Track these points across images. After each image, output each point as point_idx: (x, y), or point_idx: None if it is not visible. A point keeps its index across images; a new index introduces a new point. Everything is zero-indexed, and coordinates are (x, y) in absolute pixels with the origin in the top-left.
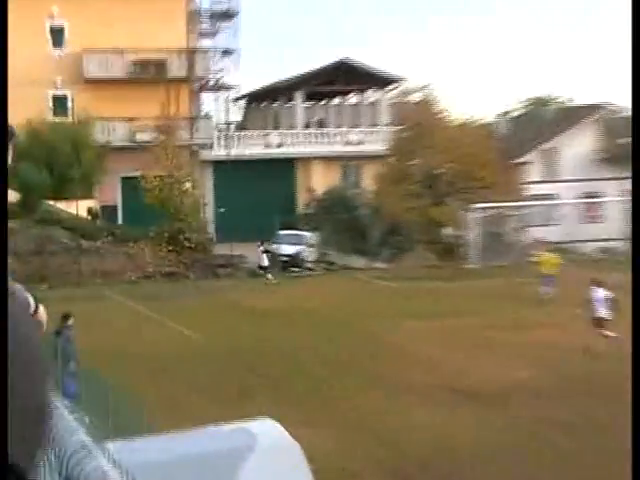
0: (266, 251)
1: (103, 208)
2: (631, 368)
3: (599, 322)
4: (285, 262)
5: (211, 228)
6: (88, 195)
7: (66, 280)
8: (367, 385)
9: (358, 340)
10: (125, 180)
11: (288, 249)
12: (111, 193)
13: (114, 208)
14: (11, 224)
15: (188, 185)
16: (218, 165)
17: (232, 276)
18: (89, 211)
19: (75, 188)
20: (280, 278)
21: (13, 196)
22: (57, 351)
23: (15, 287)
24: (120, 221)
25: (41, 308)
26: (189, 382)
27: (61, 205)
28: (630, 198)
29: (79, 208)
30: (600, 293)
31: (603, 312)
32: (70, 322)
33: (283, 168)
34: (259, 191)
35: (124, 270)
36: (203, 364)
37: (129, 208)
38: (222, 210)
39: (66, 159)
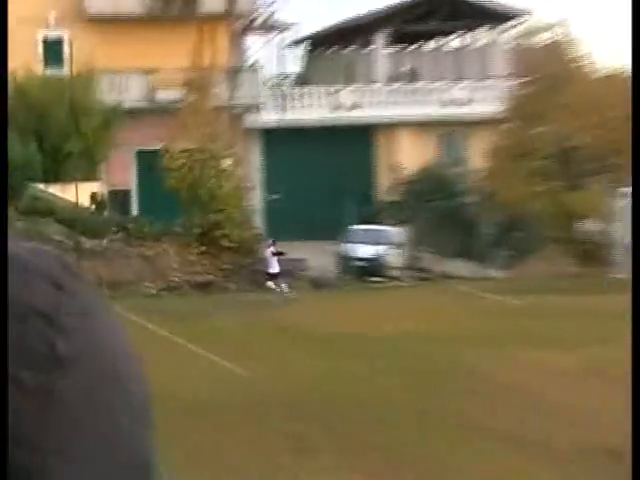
0: (278, 253)
1: (112, 194)
2: (631, 368)
3: None
4: (361, 268)
5: (259, 221)
6: (91, 176)
7: None
8: (480, 448)
9: (461, 380)
10: (142, 155)
11: (365, 251)
12: (123, 173)
13: (126, 194)
14: None
15: (228, 162)
16: (269, 135)
17: (289, 288)
18: (93, 198)
19: (74, 167)
20: (353, 290)
21: None
22: None
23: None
24: (135, 212)
25: None
26: (231, 433)
27: (55, 190)
28: None
29: (79, 194)
30: None
31: None
32: None
33: (358, 138)
34: (325, 170)
35: (140, 279)
36: (249, 409)
37: (147, 194)
38: (274, 197)
39: (62, 127)
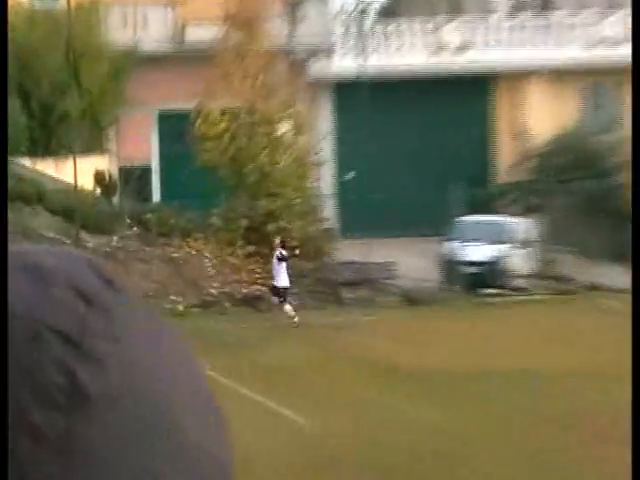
0: (284, 258)
1: (124, 172)
2: (631, 368)
3: None
4: (473, 276)
5: (330, 211)
6: (95, 148)
7: None
8: None
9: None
10: (166, 119)
11: (478, 252)
12: (139, 144)
13: (145, 173)
14: None
15: (286, 128)
16: (343, 89)
17: (369, 303)
18: (98, 178)
19: (71, 134)
20: (462, 307)
21: None
22: None
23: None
24: (156, 197)
25: None
26: None
27: (45, 166)
28: None
29: (79, 172)
30: None
31: None
32: None
33: (469, 93)
34: (422, 139)
35: (164, 291)
36: (326, 476)
37: (173, 172)
38: (350, 176)
39: (55, 79)
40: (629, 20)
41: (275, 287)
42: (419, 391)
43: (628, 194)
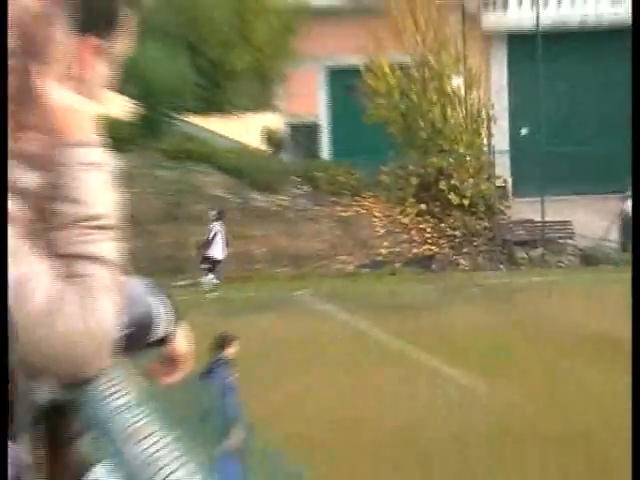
0: (218, 217)
1: (293, 130)
2: (631, 368)
3: None
4: None
5: (503, 168)
6: (264, 104)
7: (223, 269)
8: None
9: None
10: (335, 74)
11: None
12: (308, 100)
13: (314, 129)
14: (124, 162)
15: (458, 82)
16: (518, 41)
17: (545, 263)
18: (266, 135)
19: (240, 91)
20: None
21: (126, 107)
22: (207, 409)
23: (133, 283)
24: (326, 154)
25: (180, 331)
26: None
27: (214, 124)
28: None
29: (248, 130)
30: None
31: None
32: (230, 352)
33: None
34: (603, 91)
35: (334, 252)
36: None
37: (342, 129)
38: (525, 132)
39: (223, 34)
40: None
41: (206, 258)
42: (611, 359)
43: None
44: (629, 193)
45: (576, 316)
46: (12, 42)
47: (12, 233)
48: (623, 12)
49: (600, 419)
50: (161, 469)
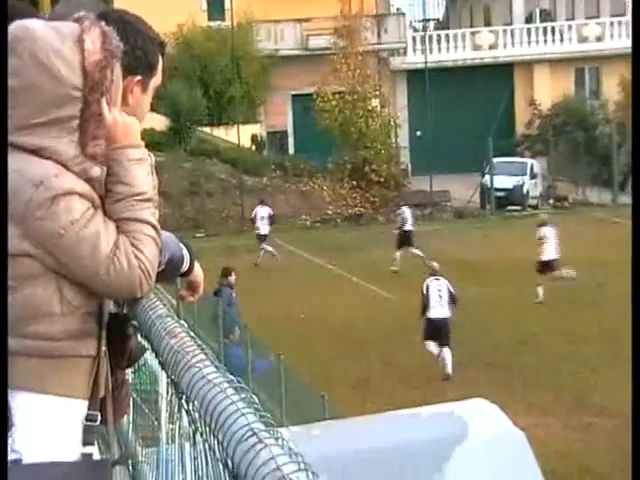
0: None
1: (270, 135)
2: (631, 368)
3: None
4: (501, 198)
5: (405, 157)
6: (251, 119)
7: (226, 226)
8: None
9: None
10: (297, 98)
11: (505, 181)
12: (280, 116)
13: (284, 134)
14: (159, 157)
15: (375, 103)
16: (413, 75)
17: (433, 219)
18: (253, 139)
19: (236, 110)
20: (495, 219)
21: (161, 123)
22: (217, 315)
23: (166, 235)
24: (291, 151)
25: (197, 266)
26: (384, 360)
27: (219, 132)
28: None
29: (241, 136)
30: None
31: None
32: (232, 279)
33: (497, 76)
34: (466, 107)
35: (297, 213)
36: (393, 326)
37: (302, 134)
38: (419, 134)
39: (224, 74)
40: (611, 19)
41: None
42: (468, 274)
43: (607, 140)
44: (485, 172)
45: (446, 249)
46: (81, 80)
47: (88, 206)
48: (481, 56)
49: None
50: (188, 354)
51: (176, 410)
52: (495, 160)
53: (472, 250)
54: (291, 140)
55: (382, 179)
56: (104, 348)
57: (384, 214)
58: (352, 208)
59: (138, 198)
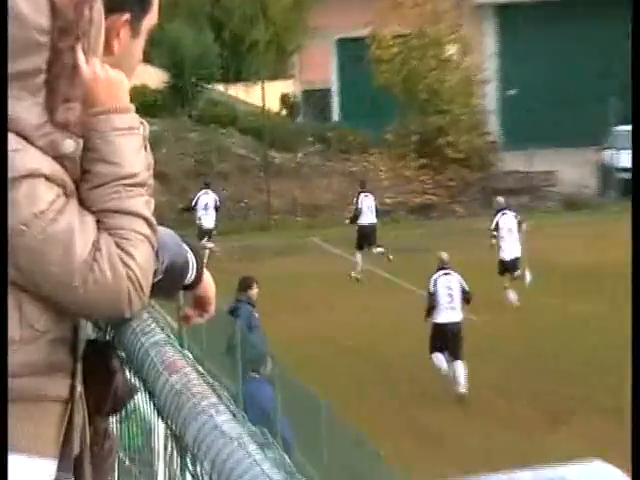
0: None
1: (307, 95)
2: (631, 368)
3: None
4: (628, 181)
5: (494, 125)
6: (281, 73)
7: (246, 220)
8: None
9: None
10: (344, 45)
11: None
12: (320, 69)
13: (325, 94)
14: (155, 126)
15: (452, 50)
16: (504, 11)
17: (531, 210)
18: (283, 101)
19: (260, 61)
20: (619, 212)
21: (158, 78)
22: (234, 343)
23: (165, 233)
24: (336, 117)
25: (206, 276)
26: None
27: (236, 91)
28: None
29: (267, 96)
30: None
31: None
32: (253, 293)
33: (626, 7)
34: (579, 54)
35: (343, 203)
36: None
37: (351, 94)
38: (512, 92)
39: (244, 10)
40: None
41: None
42: (578, 289)
43: None
44: (603, 146)
45: (551, 252)
46: (49, 21)
47: (58, 192)
48: None
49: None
50: (195, 396)
51: (178, 473)
52: (618, 129)
53: (587, 253)
54: (336, 102)
55: (462, 155)
56: (79, 388)
57: (465, 204)
58: (420, 196)
59: (126, 182)
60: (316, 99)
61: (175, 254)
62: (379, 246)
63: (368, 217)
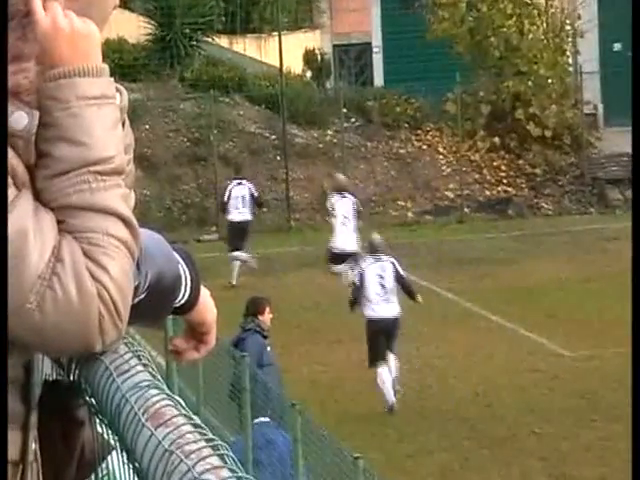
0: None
1: (340, 51)
2: (631, 368)
3: None
4: None
5: (592, 92)
6: (305, 22)
7: (258, 220)
8: None
9: None
10: None
11: None
12: (357, 16)
13: (364, 50)
14: (136, 93)
15: None
16: None
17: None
18: (307, 59)
19: (276, 6)
20: None
21: (139, 30)
22: (241, 386)
23: (150, 238)
24: (378, 81)
25: (204, 295)
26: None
27: (244, 46)
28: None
29: (285, 53)
30: None
31: None
32: (265, 319)
33: None
34: None
35: (390, 196)
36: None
37: (398, 50)
38: (618, 47)
39: None
40: None
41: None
42: None
43: None
44: None
45: None
46: None
47: (8, 182)
48: None
49: None
50: (188, 456)
51: None
52: None
53: None
54: (379, 60)
55: (548, 133)
56: (34, 446)
57: (551, 197)
58: (493, 187)
59: (97, 169)
60: (352, 56)
61: (163, 266)
62: (247, 252)
63: (240, 212)
